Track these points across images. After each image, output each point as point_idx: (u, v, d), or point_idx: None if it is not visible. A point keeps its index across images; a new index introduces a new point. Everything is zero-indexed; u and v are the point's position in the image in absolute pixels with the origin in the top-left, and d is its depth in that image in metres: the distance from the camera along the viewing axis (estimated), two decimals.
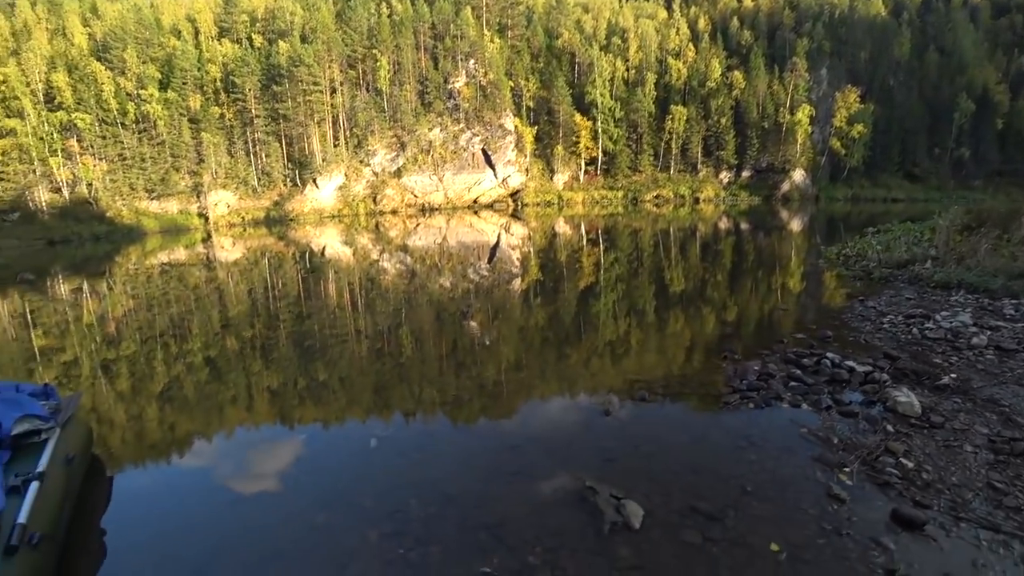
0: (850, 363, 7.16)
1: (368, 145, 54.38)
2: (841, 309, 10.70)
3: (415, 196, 55.15)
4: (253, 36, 58.61)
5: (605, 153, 63.94)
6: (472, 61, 58.02)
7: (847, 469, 4.80)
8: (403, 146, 55.16)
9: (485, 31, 62.63)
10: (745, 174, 65.43)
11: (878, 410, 5.97)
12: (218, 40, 57.35)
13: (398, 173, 55.15)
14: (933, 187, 64.71)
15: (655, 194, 62.79)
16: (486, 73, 57.83)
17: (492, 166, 58.18)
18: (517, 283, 16.86)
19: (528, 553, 3.91)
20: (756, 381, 6.71)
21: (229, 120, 52.06)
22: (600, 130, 62.47)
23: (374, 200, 53.96)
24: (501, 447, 5.78)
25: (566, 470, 5.04)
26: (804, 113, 61.60)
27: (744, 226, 34.74)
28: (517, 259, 22.16)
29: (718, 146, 64.69)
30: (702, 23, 73.15)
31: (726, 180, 65.64)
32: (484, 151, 57.64)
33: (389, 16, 59.26)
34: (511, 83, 61.36)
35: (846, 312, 10.40)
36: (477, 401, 7.23)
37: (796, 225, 35.44)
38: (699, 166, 65.55)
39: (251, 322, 13.07)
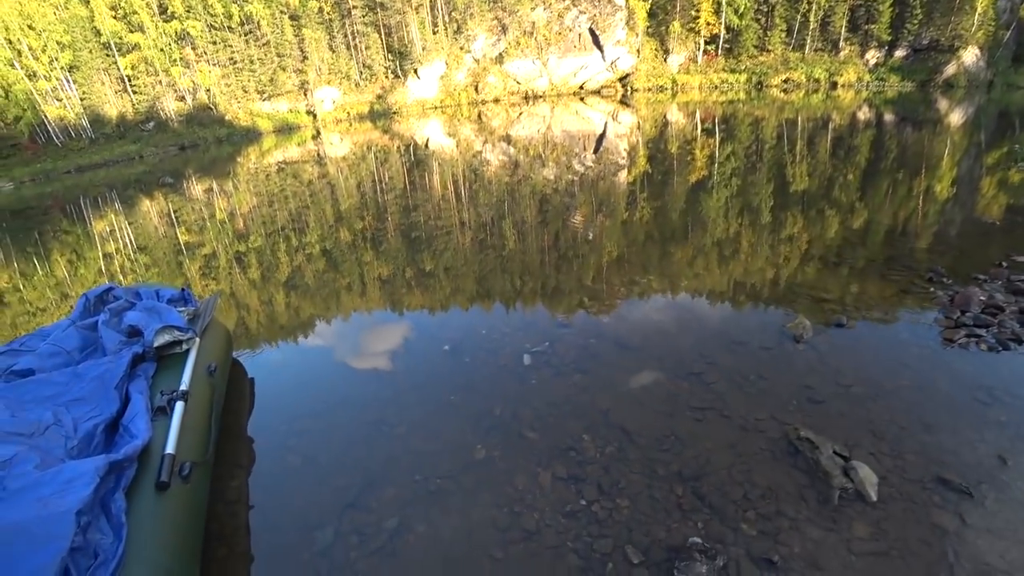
0: None
1: (468, 30, 51.33)
2: None
3: (518, 83, 52.24)
4: None
5: (728, 30, 56.08)
6: None
7: None
8: (504, 29, 51.50)
9: None
10: (899, 54, 54.93)
11: None
12: None
13: (499, 59, 52.08)
14: None
15: (784, 78, 54.95)
16: None
17: (600, 47, 53.16)
18: (635, 176, 15.44)
19: (740, 520, 3.21)
20: (982, 314, 5.32)
21: (328, 14, 50.89)
22: (725, 2, 54.37)
23: (476, 89, 51.87)
24: (679, 372, 4.99)
25: (765, 409, 4.32)
26: None
27: (889, 117, 29.52)
28: (626, 150, 20.30)
29: (868, 18, 54.37)
30: None
31: (873, 61, 55.61)
32: (591, 31, 52.53)
33: None
34: None
35: None
36: (636, 309, 6.60)
37: (956, 118, 29.40)
38: (841, 44, 55.87)
39: (361, 215, 13.21)
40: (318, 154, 27.55)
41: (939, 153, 18.18)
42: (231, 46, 47.15)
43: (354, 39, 51.28)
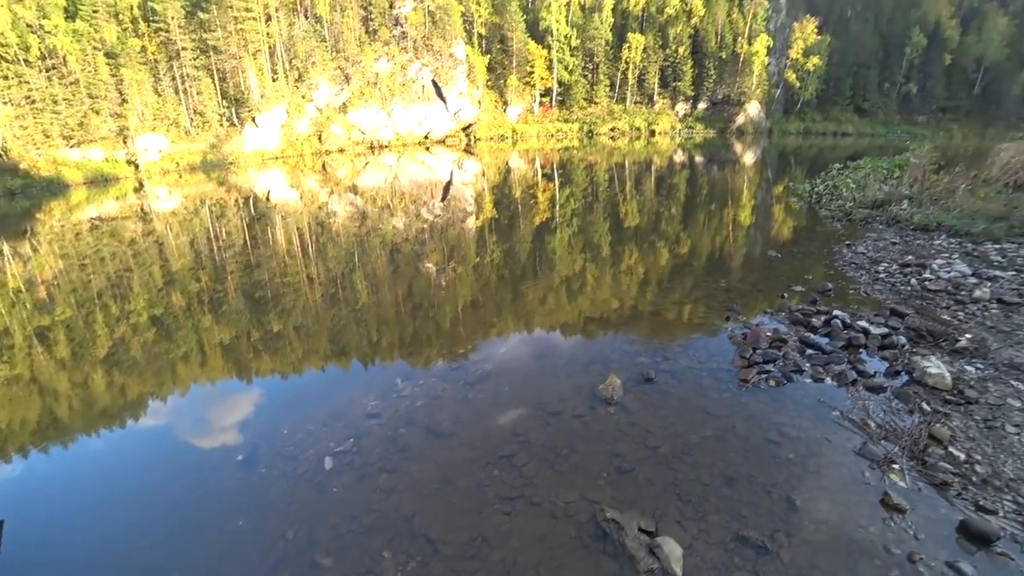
0: (862, 323, 6.61)
1: (310, 79, 49.92)
2: (831, 255, 10.22)
3: (362, 133, 51.68)
4: None
5: (560, 84, 61.46)
6: None
7: (896, 466, 4.22)
8: (348, 79, 51.02)
9: None
10: (701, 106, 64.63)
11: (904, 381, 5.45)
12: None
13: (343, 108, 51.28)
14: (880, 122, 65.92)
15: (611, 126, 61.36)
16: None
17: (443, 98, 54.95)
18: (472, 223, 15.84)
19: None
20: (770, 349, 6.06)
21: (152, 54, 46.17)
22: (555, 59, 59.64)
23: (319, 138, 50.23)
24: (490, 457, 4.71)
25: (575, 489, 4.19)
26: (762, 44, 60.48)
27: (700, 159, 34.26)
28: (473, 197, 20.92)
29: (675, 77, 63.18)
30: None
31: (682, 112, 64.74)
32: (434, 82, 54.18)
33: None
34: (462, 8, 57.16)
35: (837, 259, 9.92)
36: (451, 386, 6.21)
37: (750, 158, 35.23)
38: (655, 98, 64.14)
39: (196, 276, 11.73)
40: (142, 209, 24.36)
41: (738, 187, 21.26)
42: (28, 82, 40.48)
43: (184, 83, 46.99)
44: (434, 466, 4.67)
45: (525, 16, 59.48)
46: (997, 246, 10.12)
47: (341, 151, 50.05)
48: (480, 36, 59.41)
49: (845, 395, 5.25)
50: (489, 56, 59.15)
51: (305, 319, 8.67)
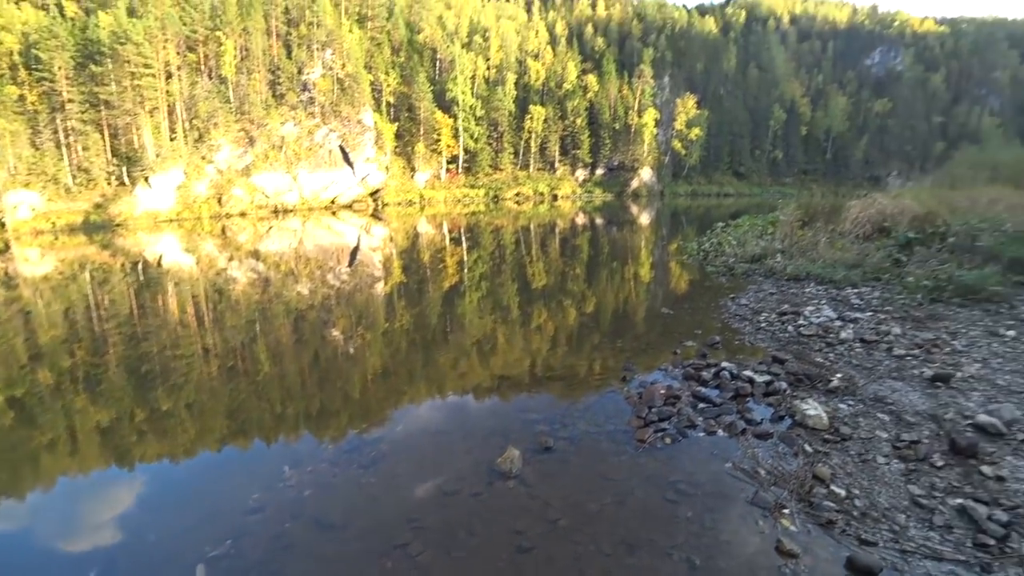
0: (748, 372, 7.03)
1: (211, 139, 47.96)
2: (718, 309, 10.93)
3: (266, 197, 50.00)
4: (64, 3, 48.64)
5: (466, 151, 63.70)
6: (329, 51, 54.02)
7: (786, 511, 4.39)
8: (252, 141, 49.65)
9: (344, 20, 58.83)
10: (599, 172, 69.41)
11: (788, 424, 5.80)
12: (15, 3, 46.69)
13: (247, 171, 49.54)
14: (755, 183, 74.39)
15: (516, 192, 63.98)
16: (344, 65, 54.21)
17: (350, 164, 54.93)
18: (379, 288, 15.57)
19: None
20: (664, 407, 6.25)
21: (32, 104, 42.31)
22: (461, 128, 61.98)
23: (219, 201, 47.83)
24: (383, 547, 4.33)
25: None
26: (650, 116, 66.63)
27: (600, 221, 36.44)
28: (380, 262, 20.68)
29: (574, 145, 67.71)
30: (559, 27, 76.15)
31: (582, 178, 69.09)
32: (342, 148, 54.17)
33: None
34: (370, 77, 58.38)
35: (723, 312, 10.62)
36: (344, 470, 5.73)
37: (645, 219, 38.00)
38: (556, 164, 68.09)
39: (70, 349, 10.38)
40: (6, 272, 21.58)
41: (636, 247, 22.57)
42: None
43: (67, 137, 43.15)
44: (322, 564, 4.22)
45: (432, 87, 61.76)
46: (855, 290, 11.38)
47: (243, 215, 47.94)
48: (388, 104, 60.70)
49: (736, 445, 5.46)
50: (397, 124, 60.38)
51: (190, 399, 7.86)
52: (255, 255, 23.87)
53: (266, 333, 11.14)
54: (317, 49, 53.56)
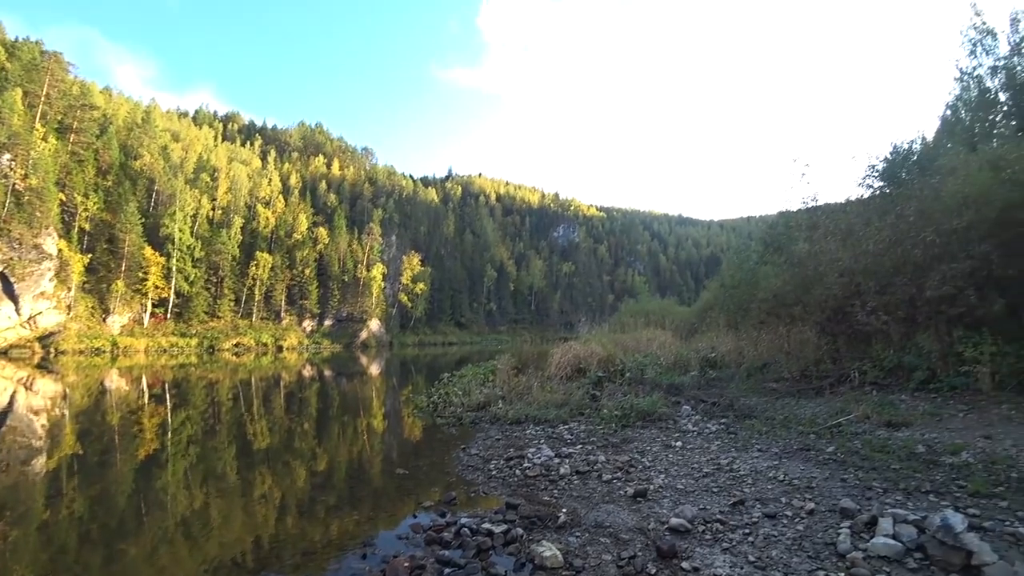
0: (487, 525, 6.92)
1: None
2: (451, 462, 10.90)
3: None
4: None
5: (179, 295, 55.88)
6: (7, 155, 43.26)
7: None
8: None
9: (38, 125, 48.47)
10: (327, 323, 68.13)
11: (529, 570, 5.77)
12: None
13: None
14: (475, 332, 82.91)
15: (235, 342, 57.62)
16: (26, 176, 43.66)
17: (14, 299, 42.44)
18: (39, 463, 11.37)
19: None
20: None
21: None
22: (175, 268, 54.67)
23: None
24: None
25: None
26: (378, 271, 69.96)
27: (329, 373, 34.87)
28: (43, 428, 15.43)
29: (302, 295, 65.80)
30: (293, 179, 76.95)
31: (309, 328, 66.65)
32: (4, 276, 41.91)
33: None
34: (62, 196, 48.04)
35: (457, 464, 10.64)
36: None
37: (375, 370, 37.76)
38: (283, 314, 64.65)
39: None
40: None
41: (365, 401, 21.75)
42: None
43: None
44: None
45: (144, 220, 54.03)
46: (566, 426, 12.80)
47: None
48: (82, 231, 50.43)
49: None
50: (91, 255, 50.10)
51: None
52: None
53: None
54: None
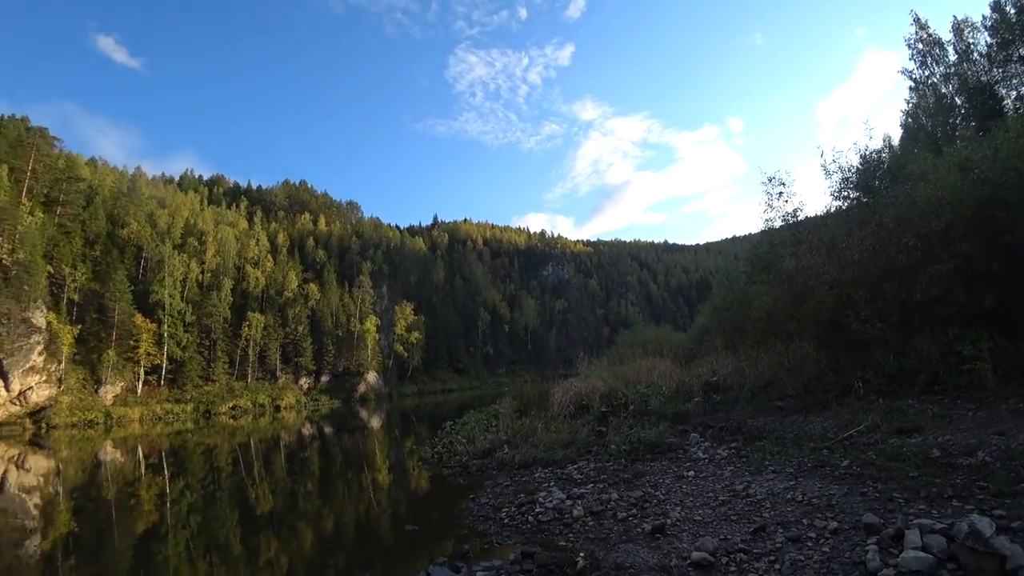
0: None
1: None
2: (461, 513, 10.58)
3: None
4: None
5: (172, 360, 54.97)
6: None
7: None
8: None
9: (24, 200, 48.55)
10: (324, 379, 67.13)
11: None
12: None
13: None
14: (474, 377, 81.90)
15: (231, 404, 56.45)
16: (13, 250, 43.42)
17: (3, 375, 41.53)
18: (34, 544, 10.88)
19: None
20: None
21: None
22: (167, 334, 54.01)
23: None
24: None
25: None
26: (372, 323, 69.56)
27: (329, 429, 34.24)
28: (38, 506, 14.86)
29: (296, 353, 65.02)
30: (281, 238, 77.27)
31: (306, 386, 65.62)
32: None
33: None
34: (50, 268, 47.66)
35: (467, 515, 10.32)
36: None
37: (376, 423, 37.10)
38: (278, 373, 63.70)
39: None
40: None
41: (369, 456, 21.24)
42: None
43: None
44: None
45: (133, 287, 53.61)
46: (575, 465, 12.49)
47: None
48: (72, 302, 49.84)
49: None
50: (81, 326, 49.35)
51: None
52: None
53: None
54: None
